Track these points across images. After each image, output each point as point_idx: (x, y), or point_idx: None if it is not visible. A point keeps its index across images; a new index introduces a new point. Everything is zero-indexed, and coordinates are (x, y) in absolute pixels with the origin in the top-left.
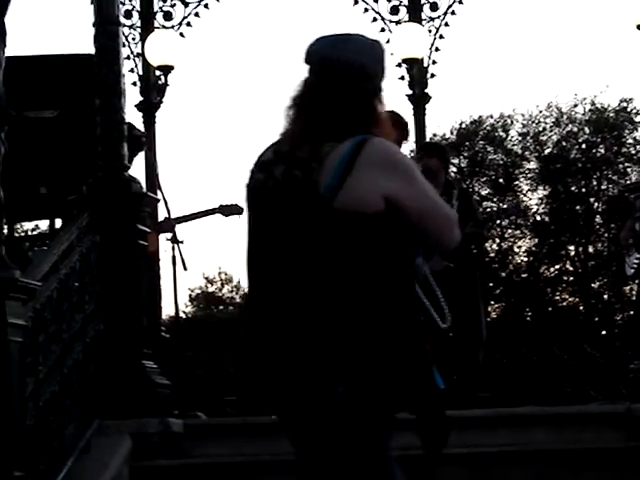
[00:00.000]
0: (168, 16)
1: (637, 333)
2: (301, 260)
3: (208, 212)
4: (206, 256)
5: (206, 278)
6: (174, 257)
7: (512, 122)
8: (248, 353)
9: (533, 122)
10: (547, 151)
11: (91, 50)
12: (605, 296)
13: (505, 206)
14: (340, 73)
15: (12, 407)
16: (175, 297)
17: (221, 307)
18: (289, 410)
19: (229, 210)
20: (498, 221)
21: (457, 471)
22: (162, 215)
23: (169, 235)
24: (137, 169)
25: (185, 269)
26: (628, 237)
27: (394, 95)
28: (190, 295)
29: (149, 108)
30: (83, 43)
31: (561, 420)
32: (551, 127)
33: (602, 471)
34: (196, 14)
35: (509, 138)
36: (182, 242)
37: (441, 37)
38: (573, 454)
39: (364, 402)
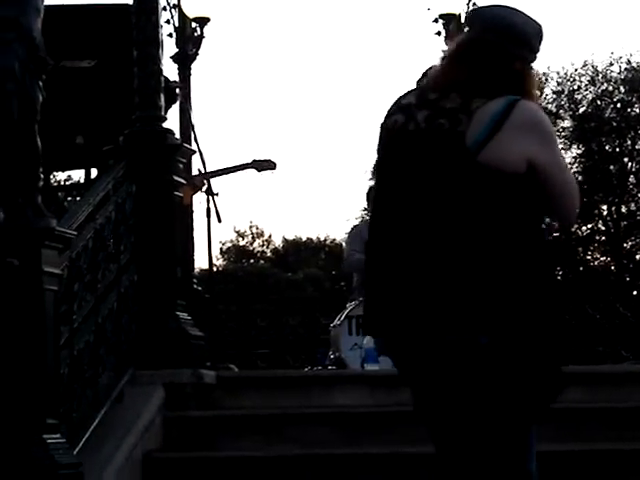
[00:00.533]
0: None
1: None
2: (438, 206)
3: (241, 167)
4: (237, 210)
5: (237, 232)
6: (209, 209)
7: (547, 80)
8: (376, 301)
9: (568, 80)
10: (582, 110)
11: (128, 0)
12: (637, 256)
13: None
14: (503, 33)
15: (46, 355)
16: (209, 249)
17: (252, 260)
18: (422, 362)
19: (262, 165)
20: None
21: None
22: (196, 167)
23: (204, 187)
24: (172, 120)
25: (219, 221)
26: None
27: (430, 50)
28: (221, 248)
29: (184, 60)
30: None
31: (593, 379)
32: (586, 86)
33: (634, 430)
34: None
35: (544, 96)
36: (217, 194)
37: None
38: (606, 412)
39: (510, 356)
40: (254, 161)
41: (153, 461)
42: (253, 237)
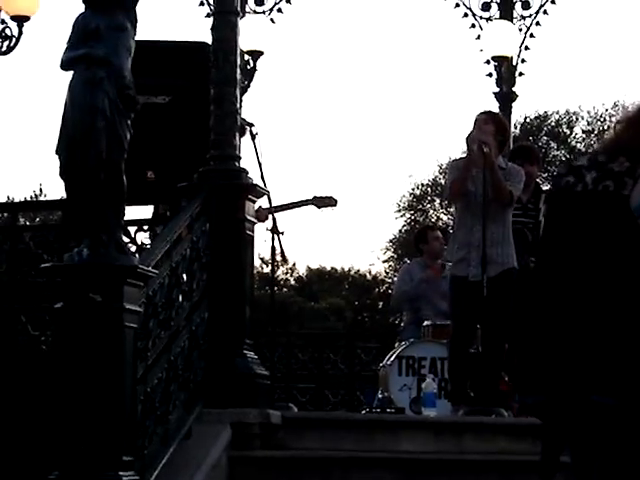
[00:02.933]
0: (260, 1)
1: None
2: (598, 266)
3: (303, 203)
4: (261, 237)
5: (262, 259)
6: (273, 247)
7: (577, 119)
8: (527, 350)
9: (598, 120)
10: None
11: (206, 38)
12: None
13: None
14: None
15: (124, 392)
16: (272, 287)
17: (275, 288)
18: (562, 417)
19: (323, 202)
20: None
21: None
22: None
23: (269, 225)
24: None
25: (285, 261)
26: None
27: (481, 92)
28: (257, 274)
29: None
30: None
31: None
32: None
33: None
34: (287, 0)
35: (573, 135)
36: (282, 233)
37: (531, 36)
38: None
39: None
40: (315, 197)
41: None
42: (277, 265)
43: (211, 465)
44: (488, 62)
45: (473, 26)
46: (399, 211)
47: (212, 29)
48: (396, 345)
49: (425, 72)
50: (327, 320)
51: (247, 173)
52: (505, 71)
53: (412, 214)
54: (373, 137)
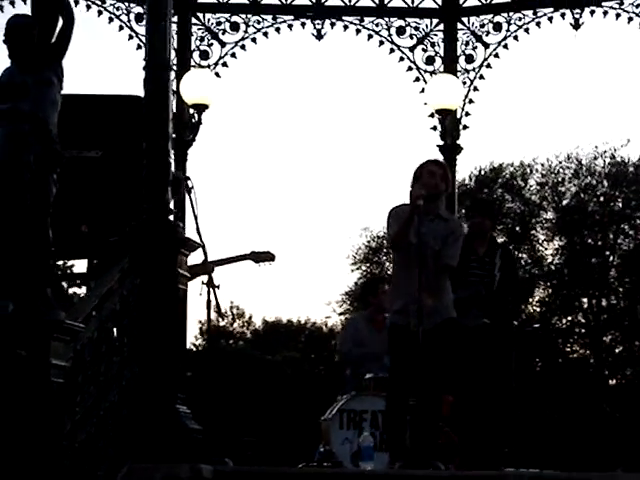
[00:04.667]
0: (205, 55)
1: None
2: None
3: (240, 257)
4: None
5: (216, 312)
6: (209, 301)
7: (531, 171)
8: None
9: (552, 172)
10: (565, 202)
11: (138, 92)
12: (616, 350)
13: None
14: None
15: (51, 448)
16: (210, 341)
17: (231, 341)
18: None
19: (260, 257)
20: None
21: None
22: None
23: (205, 279)
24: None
25: (219, 315)
26: None
27: (425, 145)
28: (201, 328)
29: (182, 146)
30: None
31: None
32: (570, 178)
33: None
34: (233, 55)
35: (527, 187)
36: (218, 287)
37: (475, 89)
38: None
39: None
40: (252, 252)
41: None
42: (233, 317)
43: None
44: (432, 115)
45: (417, 79)
46: (355, 264)
47: (144, 83)
48: (338, 398)
49: (373, 125)
50: (283, 373)
51: (180, 227)
52: (449, 124)
53: (368, 266)
54: (326, 191)
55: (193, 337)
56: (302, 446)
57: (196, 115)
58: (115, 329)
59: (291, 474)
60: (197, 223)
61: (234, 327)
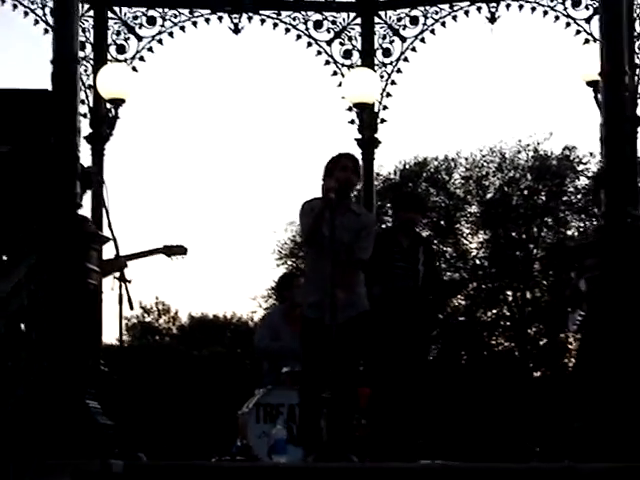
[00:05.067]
0: (121, 49)
1: (578, 390)
2: None
3: (152, 252)
4: (144, 285)
5: (143, 307)
6: (121, 295)
7: (455, 165)
8: None
9: (476, 166)
10: (489, 196)
11: (47, 85)
12: (541, 342)
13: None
14: None
15: None
16: (120, 336)
17: (157, 337)
18: None
19: (173, 251)
20: (437, 263)
21: None
22: (109, 251)
23: (117, 274)
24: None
25: (132, 308)
26: (572, 295)
27: (343, 139)
28: (127, 324)
29: (99, 140)
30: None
31: (507, 476)
32: (494, 172)
33: None
34: (150, 49)
35: (452, 181)
36: (130, 281)
37: (393, 83)
38: None
39: None
40: (165, 246)
41: None
42: (159, 313)
43: None
44: (350, 109)
45: (335, 73)
46: (280, 258)
47: (52, 76)
48: (255, 392)
49: (293, 120)
50: (210, 368)
51: (89, 221)
52: (367, 118)
53: (293, 261)
54: (250, 185)
55: (118, 334)
56: (222, 441)
57: (113, 110)
58: (23, 325)
59: (202, 467)
60: (108, 217)
61: (160, 323)
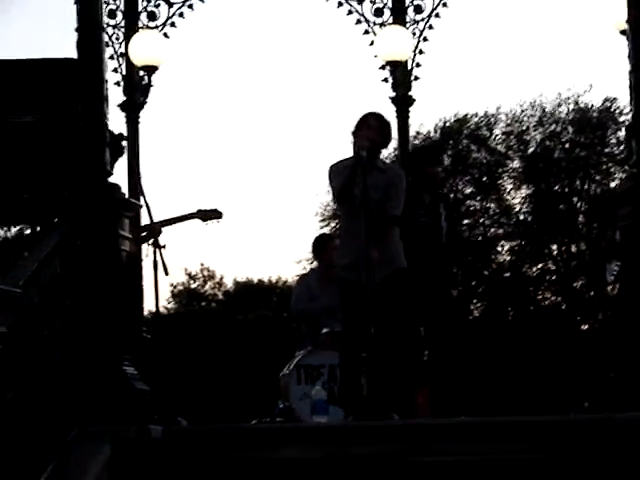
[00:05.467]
0: (152, 16)
1: (616, 340)
2: None
3: (186, 217)
4: (189, 252)
5: (189, 274)
6: (155, 262)
7: (496, 121)
8: None
9: (517, 121)
10: (530, 150)
11: (74, 54)
12: (587, 295)
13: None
14: None
15: None
16: (156, 302)
17: (203, 303)
18: None
19: (208, 215)
20: (481, 220)
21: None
22: (145, 218)
23: (151, 240)
24: (119, 172)
25: (167, 274)
26: (610, 246)
27: (377, 97)
28: (172, 291)
29: (132, 108)
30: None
31: (543, 428)
32: (535, 126)
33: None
34: (180, 14)
35: (493, 137)
36: (164, 247)
37: (425, 40)
38: (555, 463)
39: None
40: (199, 211)
41: None
42: (204, 280)
43: None
44: (383, 67)
45: (367, 32)
46: (323, 220)
47: (77, 44)
48: (296, 354)
49: (324, 80)
50: (257, 332)
51: (119, 188)
52: (400, 76)
53: (337, 223)
54: (289, 148)
55: (165, 301)
56: (266, 404)
57: (146, 77)
58: (57, 293)
59: (241, 430)
60: (140, 184)
61: (205, 289)
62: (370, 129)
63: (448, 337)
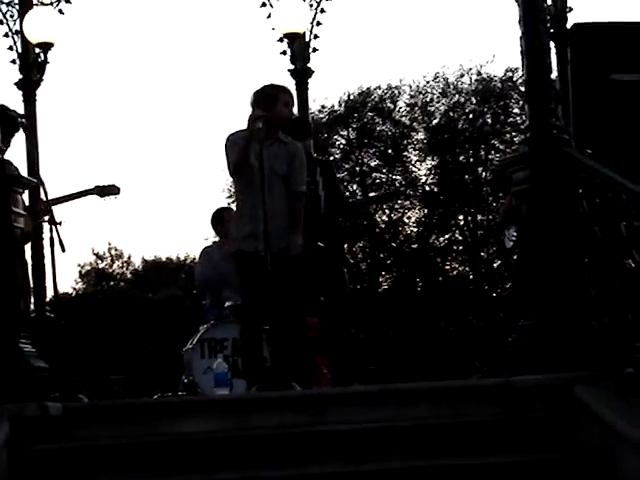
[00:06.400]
0: None
1: (516, 306)
2: None
3: (84, 193)
4: (96, 232)
5: (96, 254)
6: (52, 238)
7: (400, 93)
8: None
9: (420, 93)
10: (435, 122)
11: None
12: (494, 264)
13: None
14: None
15: None
16: (54, 278)
17: (112, 283)
18: None
19: (105, 191)
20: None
21: (338, 447)
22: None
23: (46, 217)
24: (18, 151)
25: (63, 251)
26: (506, 212)
27: (276, 71)
28: (80, 271)
29: (29, 86)
30: None
31: (444, 394)
32: (438, 98)
33: (482, 444)
34: None
35: (397, 109)
36: (60, 223)
37: (322, 11)
38: (454, 428)
39: None
40: (97, 187)
41: None
42: (112, 259)
43: None
44: (281, 40)
45: (264, 5)
46: (230, 197)
47: None
48: (200, 328)
49: (223, 54)
50: (166, 311)
51: (11, 164)
52: (298, 48)
53: None
54: (188, 124)
55: (73, 281)
56: (171, 380)
57: (42, 54)
58: None
59: (142, 405)
60: (37, 160)
61: (114, 268)
62: (287, 105)
63: (335, 307)
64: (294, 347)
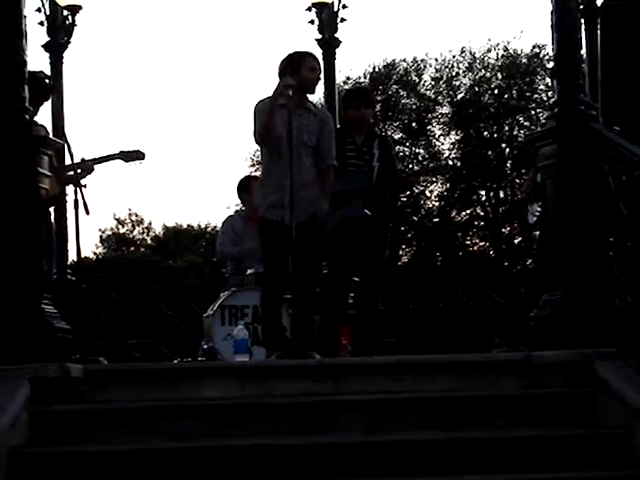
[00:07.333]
0: None
1: (538, 281)
2: None
3: (109, 157)
4: (117, 197)
5: (117, 219)
6: (76, 201)
7: (425, 67)
8: None
9: (446, 67)
10: (460, 96)
11: None
12: (515, 240)
13: (432, 164)
14: None
15: None
16: (77, 241)
17: (132, 248)
18: None
19: (130, 156)
20: (410, 166)
21: (355, 417)
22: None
23: (72, 177)
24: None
25: (87, 213)
26: (530, 187)
27: (304, 40)
28: (101, 236)
29: (56, 49)
30: None
31: (462, 367)
32: (464, 72)
33: (500, 418)
34: None
35: (422, 82)
36: (85, 186)
37: None
38: (472, 401)
39: None
40: (121, 152)
41: (18, 457)
42: (133, 225)
43: (8, 423)
44: (309, 9)
45: None
46: (253, 165)
47: None
48: (220, 295)
49: (251, 23)
50: (186, 278)
51: (37, 125)
52: (326, 17)
53: None
54: (214, 91)
55: (94, 246)
56: (192, 346)
57: (70, 17)
58: None
59: (162, 370)
60: (63, 124)
61: (134, 234)
62: (314, 71)
63: (369, 279)
64: (312, 316)
